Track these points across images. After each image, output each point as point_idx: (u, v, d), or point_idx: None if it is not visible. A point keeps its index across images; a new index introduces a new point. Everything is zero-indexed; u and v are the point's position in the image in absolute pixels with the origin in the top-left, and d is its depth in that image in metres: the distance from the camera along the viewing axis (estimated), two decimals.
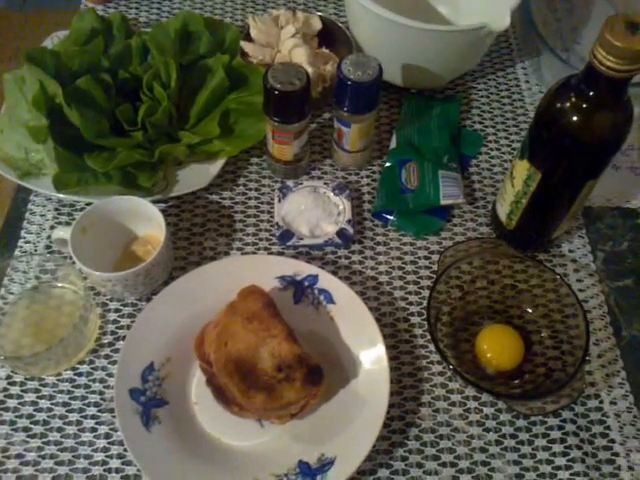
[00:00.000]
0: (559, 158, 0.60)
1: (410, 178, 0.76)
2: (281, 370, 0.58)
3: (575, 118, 0.57)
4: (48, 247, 0.73)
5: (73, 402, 0.63)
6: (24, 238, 0.73)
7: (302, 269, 0.67)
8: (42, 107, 0.70)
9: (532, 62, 0.92)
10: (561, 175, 0.62)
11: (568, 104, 0.57)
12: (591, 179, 0.62)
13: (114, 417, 0.61)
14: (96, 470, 0.60)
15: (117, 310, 0.69)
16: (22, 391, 0.64)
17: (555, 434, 0.63)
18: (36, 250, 0.72)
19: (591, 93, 0.55)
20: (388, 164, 0.78)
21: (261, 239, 0.74)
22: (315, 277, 0.67)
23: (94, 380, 0.65)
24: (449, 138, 0.80)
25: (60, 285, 0.68)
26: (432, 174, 0.76)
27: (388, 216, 0.75)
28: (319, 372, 0.58)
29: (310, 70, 0.79)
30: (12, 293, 0.67)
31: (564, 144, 0.59)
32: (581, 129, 0.57)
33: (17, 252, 0.72)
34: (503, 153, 0.83)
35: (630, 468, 0.61)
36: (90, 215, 0.66)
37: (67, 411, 0.63)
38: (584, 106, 0.56)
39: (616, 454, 0.62)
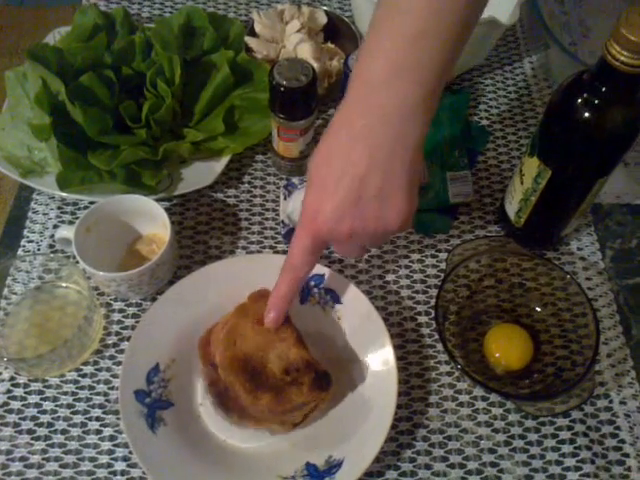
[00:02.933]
0: (570, 155, 0.60)
1: None
2: (289, 373, 0.57)
3: (587, 114, 0.56)
4: (51, 246, 0.72)
5: (77, 404, 0.63)
6: (27, 237, 0.73)
7: None
8: (45, 105, 0.70)
9: (540, 56, 0.91)
10: (572, 172, 0.61)
11: (580, 100, 0.56)
12: (602, 176, 0.61)
13: (119, 419, 0.61)
14: (101, 473, 0.59)
15: (121, 310, 0.68)
16: (26, 393, 0.63)
17: (564, 435, 0.62)
18: (39, 250, 0.72)
19: (604, 89, 0.54)
20: None
21: (266, 237, 0.74)
22: (321, 276, 0.66)
23: (98, 381, 0.64)
24: (459, 130, 0.79)
25: (64, 285, 0.68)
26: (440, 175, 0.75)
27: None
28: (327, 377, 0.58)
29: (316, 65, 0.78)
30: (15, 293, 0.67)
31: (576, 141, 0.58)
32: (593, 126, 0.56)
33: (20, 252, 0.72)
34: (511, 150, 0.82)
35: None
36: (94, 214, 0.65)
37: (71, 413, 0.62)
38: (596, 102, 0.55)
39: (626, 455, 0.61)
